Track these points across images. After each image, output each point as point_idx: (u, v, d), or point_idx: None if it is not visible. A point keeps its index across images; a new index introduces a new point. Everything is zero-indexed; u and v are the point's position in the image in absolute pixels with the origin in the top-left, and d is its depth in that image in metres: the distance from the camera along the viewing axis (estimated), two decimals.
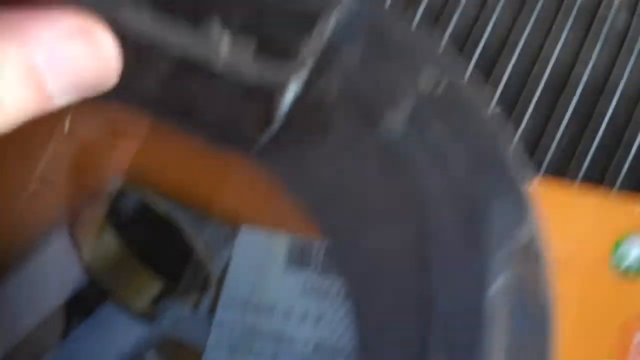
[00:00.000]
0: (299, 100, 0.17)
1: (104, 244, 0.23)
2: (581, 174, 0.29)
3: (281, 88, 0.18)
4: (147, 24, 0.18)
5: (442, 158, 0.16)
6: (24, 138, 0.25)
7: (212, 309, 0.21)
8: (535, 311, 0.15)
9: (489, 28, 0.31)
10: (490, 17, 0.31)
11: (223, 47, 0.18)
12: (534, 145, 0.29)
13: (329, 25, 0.18)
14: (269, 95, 0.17)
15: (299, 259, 0.22)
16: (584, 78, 0.31)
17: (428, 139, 0.17)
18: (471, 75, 0.16)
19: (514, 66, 0.31)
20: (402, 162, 0.17)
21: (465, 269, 0.15)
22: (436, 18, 0.31)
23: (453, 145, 0.17)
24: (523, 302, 0.15)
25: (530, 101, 0.30)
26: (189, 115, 0.18)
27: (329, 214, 0.17)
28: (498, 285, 0.14)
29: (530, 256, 0.15)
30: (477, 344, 0.15)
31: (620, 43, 0.31)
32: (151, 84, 0.18)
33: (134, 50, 0.18)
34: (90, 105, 0.26)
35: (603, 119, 0.30)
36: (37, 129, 0.25)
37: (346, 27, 0.18)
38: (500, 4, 0.31)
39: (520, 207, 0.15)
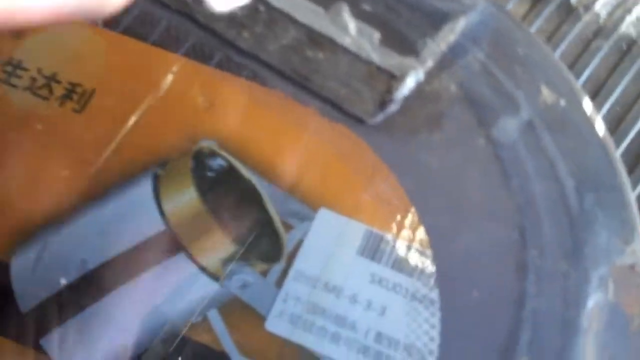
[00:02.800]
0: (416, 90, 0.18)
1: (184, 197, 0.23)
2: None
3: (400, 76, 0.18)
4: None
5: (551, 169, 0.17)
6: (127, 84, 0.25)
7: (279, 282, 0.22)
8: (632, 336, 0.15)
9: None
10: None
11: (350, 31, 0.19)
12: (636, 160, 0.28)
13: (456, 29, 0.19)
14: (388, 79, 0.18)
15: (371, 251, 0.22)
16: None
17: (539, 149, 0.17)
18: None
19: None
20: (510, 166, 0.17)
21: (562, 279, 0.15)
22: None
23: (562, 160, 0.17)
24: (620, 323, 0.15)
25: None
26: (308, 83, 0.18)
27: (428, 204, 0.18)
28: (596, 301, 0.14)
29: (632, 279, 0.15)
30: (567, 352, 0.15)
31: None
32: (276, 49, 0.19)
33: (267, 17, 0.19)
34: (192, 67, 0.27)
35: None
36: (140, 80, 0.26)
37: (472, 33, 0.19)
38: None
39: (627, 229, 0.16)
